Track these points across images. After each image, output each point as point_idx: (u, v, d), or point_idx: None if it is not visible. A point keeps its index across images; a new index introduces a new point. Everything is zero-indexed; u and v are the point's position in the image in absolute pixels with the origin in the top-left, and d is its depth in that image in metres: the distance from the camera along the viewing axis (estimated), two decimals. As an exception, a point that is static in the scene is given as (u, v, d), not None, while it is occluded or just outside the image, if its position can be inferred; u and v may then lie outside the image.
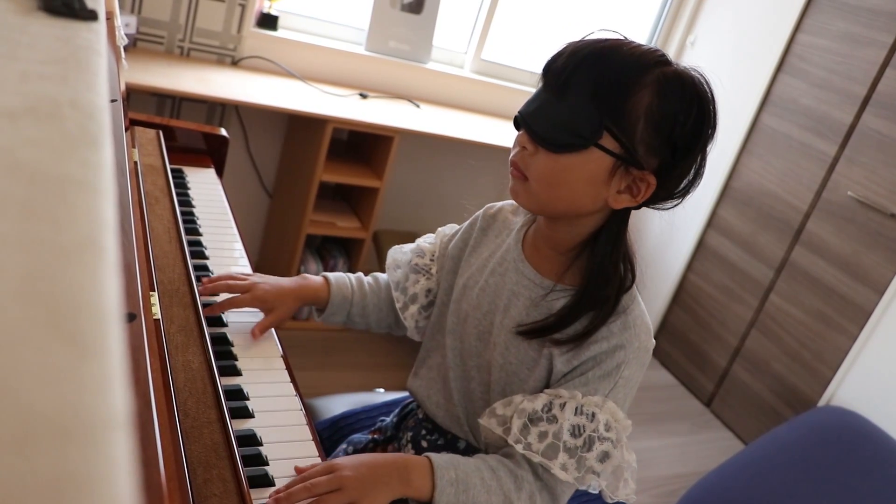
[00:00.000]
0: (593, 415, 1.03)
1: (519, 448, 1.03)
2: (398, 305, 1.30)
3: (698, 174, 1.04)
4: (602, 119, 0.97)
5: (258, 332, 1.26)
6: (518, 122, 1.05)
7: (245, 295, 1.28)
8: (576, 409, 1.03)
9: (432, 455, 1.04)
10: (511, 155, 1.06)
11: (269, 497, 0.96)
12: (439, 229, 1.33)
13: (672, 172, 1.01)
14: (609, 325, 1.05)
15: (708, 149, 1.03)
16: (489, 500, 1.02)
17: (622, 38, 1.02)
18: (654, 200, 1.05)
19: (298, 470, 1.01)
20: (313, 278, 1.34)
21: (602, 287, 1.05)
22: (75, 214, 0.31)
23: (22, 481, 0.18)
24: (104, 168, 0.36)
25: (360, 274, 1.39)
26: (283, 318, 1.30)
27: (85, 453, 0.20)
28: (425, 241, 1.33)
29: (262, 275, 1.34)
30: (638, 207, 1.06)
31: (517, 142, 1.05)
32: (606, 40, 1.00)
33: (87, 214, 0.32)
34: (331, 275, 1.35)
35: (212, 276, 1.37)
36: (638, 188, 1.01)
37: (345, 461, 1.00)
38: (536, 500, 1.04)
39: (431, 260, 1.29)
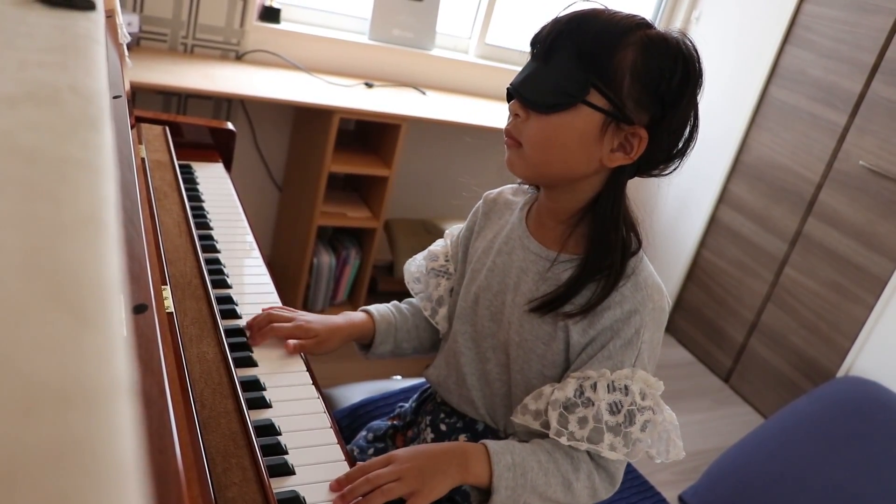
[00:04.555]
0: (626, 388, 1.04)
1: (563, 441, 1.05)
2: (427, 313, 1.29)
3: (693, 132, 1.05)
4: (588, 76, 0.99)
5: (292, 348, 1.22)
6: (510, 94, 1.07)
7: (288, 324, 1.24)
8: (608, 386, 1.04)
9: (488, 441, 1.05)
10: (505, 125, 1.08)
11: (329, 488, 0.98)
12: (447, 231, 1.34)
13: (663, 126, 1.02)
14: (620, 289, 1.06)
15: (697, 100, 1.04)
16: (547, 481, 1.04)
17: (602, 6, 1.04)
18: (653, 162, 1.06)
19: (334, 486, 1.00)
20: (355, 314, 1.31)
21: (606, 253, 1.06)
22: (76, 192, 0.31)
23: (24, 447, 0.18)
24: (104, 149, 0.36)
25: (395, 302, 1.38)
26: (324, 350, 1.26)
27: (86, 419, 0.20)
28: (436, 246, 1.33)
29: (307, 312, 1.30)
30: (636, 172, 1.07)
31: (510, 111, 1.07)
32: (588, 8, 1.03)
33: (87, 192, 0.31)
34: (370, 307, 1.33)
35: (227, 275, 1.37)
36: (631, 144, 1.02)
37: (403, 453, 1.02)
38: (595, 479, 1.07)
39: (447, 260, 1.29)
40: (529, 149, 1.04)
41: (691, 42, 1.03)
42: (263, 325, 1.23)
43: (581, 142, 1.02)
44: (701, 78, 1.03)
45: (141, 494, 0.19)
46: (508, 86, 1.06)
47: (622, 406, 1.03)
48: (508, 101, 1.08)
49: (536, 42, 1.05)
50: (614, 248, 1.06)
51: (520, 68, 1.08)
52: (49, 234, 0.28)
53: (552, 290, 1.09)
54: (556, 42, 1.01)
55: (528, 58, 1.07)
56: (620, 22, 1.00)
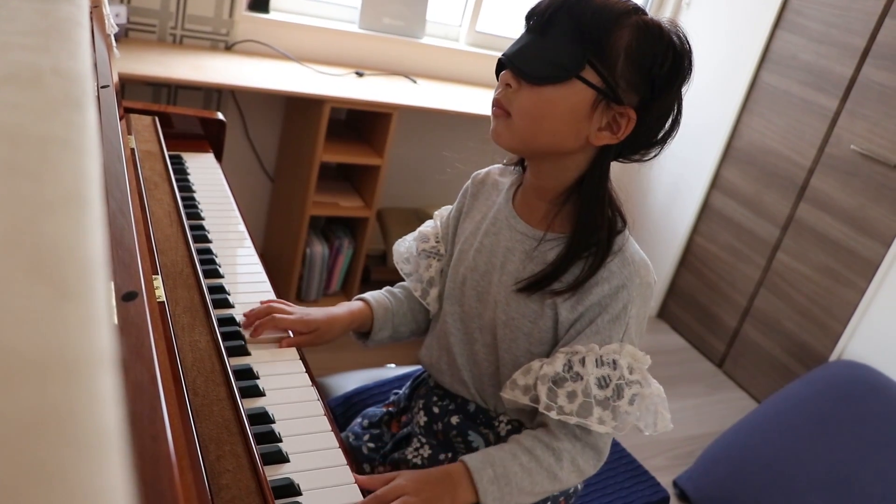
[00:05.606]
0: (614, 362, 1.05)
1: (553, 415, 1.05)
2: (417, 294, 1.29)
3: (676, 121, 1.07)
4: (584, 51, 1.00)
5: (286, 344, 1.22)
6: (502, 65, 1.07)
7: (290, 317, 1.23)
8: (596, 361, 1.05)
9: (466, 459, 1.06)
10: (494, 95, 1.08)
11: None
12: (436, 212, 1.34)
13: (651, 110, 1.03)
14: (607, 265, 1.07)
15: (684, 91, 1.05)
16: (533, 480, 1.05)
17: None
18: (635, 146, 1.08)
19: (359, 481, 1.01)
20: (353, 303, 1.31)
21: (592, 232, 1.07)
22: (59, 171, 0.31)
23: (3, 417, 0.18)
24: (88, 128, 0.36)
25: (388, 287, 1.38)
26: (323, 341, 1.26)
27: (66, 390, 0.19)
28: (426, 227, 1.33)
29: (305, 308, 1.30)
30: (618, 155, 1.09)
31: (501, 81, 1.07)
32: None
33: (70, 171, 0.31)
34: (365, 295, 1.33)
35: (219, 265, 1.37)
36: (618, 125, 1.03)
37: (409, 479, 1.02)
38: (579, 463, 1.07)
39: (437, 241, 1.30)
40: (519, 119, 1.04)
41: (684, 34, 1.04)
42: (263, 316, 1.22)
43: (571, 116, 1.02)
44: (690, 69, 1.04)
45: (122, 463, 0.18)
46: (501, 56, 1.06)
47: (610, 380, 1.04)
48: (498, 72, 1.08)
49: (533, 14, 1.05)
50: (600, 226, 1.07)
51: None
52: (31, 212, 0.28)
53: (539, 268, 1.10)
54: (555, 16, 1.01)
55: (523, 31, 1.07)
56: (618, 3, 1.01)
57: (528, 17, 1.06)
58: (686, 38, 1.04)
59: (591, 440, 1.08)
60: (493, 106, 1.07)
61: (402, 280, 1.35)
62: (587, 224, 1.07)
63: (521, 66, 1.03)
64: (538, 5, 1.05)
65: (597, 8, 1.00)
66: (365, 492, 1.00)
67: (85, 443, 0.18)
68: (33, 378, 0.19)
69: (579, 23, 1.00)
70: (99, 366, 0.20)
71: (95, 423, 0.19)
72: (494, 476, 1.03)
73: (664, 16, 1.05)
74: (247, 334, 1.21)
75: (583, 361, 1.05)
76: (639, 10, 1.03)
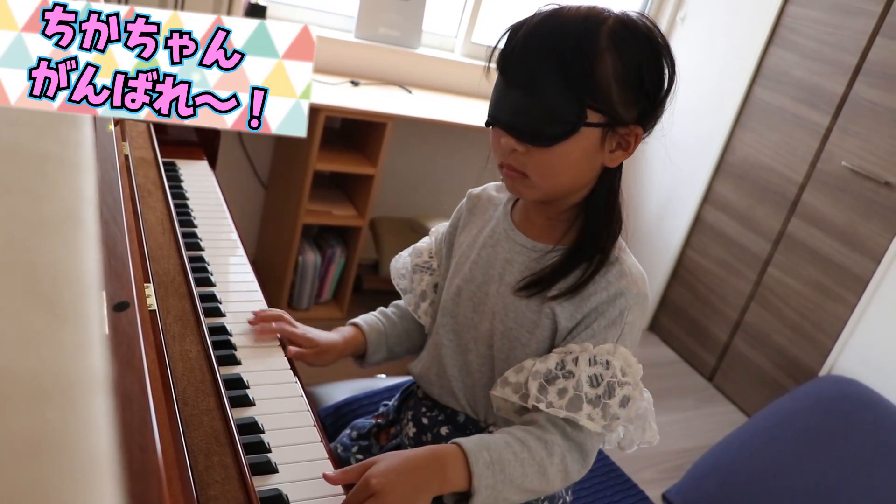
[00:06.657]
0: (607, 362, 1.05)
1: (541, 406, 1.04)
2: (410, 308, 1.30)
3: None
4: (581, 98, 0.99)
5: (292, 353, 1.24)
6: (493, 123, 1.06)
7: (298, 331, 1.27)
8: (589, 360, 1.04)
9: (462, 441, 1.01)
10: (499, 158, 1.07)
11: None
12: (432, 229, 1.34)
13: (652, 115, 1.06)
14: (605, 275, 1.08)
15: (674, 81, 1.06)
16: (524, 472, 1.01)
17: (557, 5, 1.03)
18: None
19: (328, 478, 0.99)
20: (345, 329, 1.32)
21: (595, 241, 1.08)
22: (54, 189, 0.31)
23: (1, 441, 0.18)
24: (83, 145, 0.36)
25: (381, 308, 1.39)
26: (321, 363, 1.27)
27: (62, 413, 0.20)
28: (421, 243, 1.34)
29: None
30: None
31: (502, 144, 1.05)
32: (548, 15, 1.02)
33: (66, 189, 0.31)
34: (357, 319, 1.34)
35: (211, 273, 1.37)
36: (627, 142, 1.05)
37: (379, 475, 0.95)
38: (567, 461, 1.05)
39: (430, 256, 1.30)
40: (538, 178, 1.05)
41: (648, 17, 1.04)
42: (272, 320, 1.26)
43: (585, 157, 1.04)
44: (670, 54, 1.04)
45: (115, 487, 0.19)
46: (490, 118, 1.05)
47: (602, 379, 1.04)
48: (489, 125, 1.07)
49: (509, 66, 1.03)
50: (604, 237, 1.09)
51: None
52: (27, 230, 0.28)
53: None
54: (537, 68, 0.99)
55: (500, 81, 1.05)
56: (585, 23, 0.99)
57: (503, 69, 1.03)
58: (652, 22, 1.04)
59: (579, 438, 1.05)
60: (504, 168, 1.07)
61: (393, 289, 1.36)
62: (593, 235, 1.09)
63: (524, 129, 1.02)
64: (510, 53, 1.02)
65: (573, 44, 0.98)
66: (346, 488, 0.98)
67: (79, 467, 0.18)
68: (30, 401, 0.20)
69: (564, 71, 0.98)
70: (94, 390, 0.21)
71: (90, 448, 0.19)
72: (490, 461, 0.99)
73: (628, 11, 1.04)
74: (244, 341, 1.22)
75: (576, 360, 1.04)
76: (601, 18, 1.00)
